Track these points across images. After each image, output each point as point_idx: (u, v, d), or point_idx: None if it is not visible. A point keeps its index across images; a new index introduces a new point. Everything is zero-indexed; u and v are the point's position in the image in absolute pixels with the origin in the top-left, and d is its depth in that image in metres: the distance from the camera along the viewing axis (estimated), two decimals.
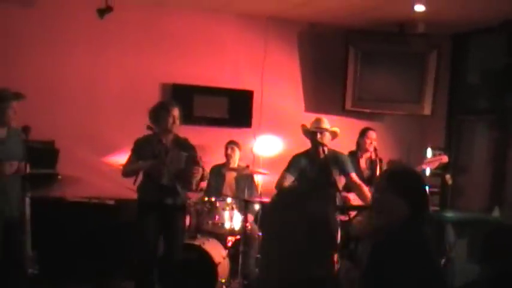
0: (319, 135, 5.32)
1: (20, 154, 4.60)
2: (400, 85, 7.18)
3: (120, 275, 5.92)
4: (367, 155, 6.07)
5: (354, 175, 5.44)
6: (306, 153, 5.46)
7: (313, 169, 5.35)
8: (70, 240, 5.86)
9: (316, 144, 5.32)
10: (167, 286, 5.10)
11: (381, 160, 6.01)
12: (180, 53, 6.87)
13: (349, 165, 5.46)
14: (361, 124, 6.69)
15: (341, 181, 5.40)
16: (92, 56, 6.59)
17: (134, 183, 5.11)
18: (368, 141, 6.04)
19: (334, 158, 5.36)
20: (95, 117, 6.55)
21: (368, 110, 7.24)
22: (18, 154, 4.59)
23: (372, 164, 6.00)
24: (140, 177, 5.12)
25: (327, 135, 5.37)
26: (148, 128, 5.01)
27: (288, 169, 5.38)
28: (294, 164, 5.38)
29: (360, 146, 6.10)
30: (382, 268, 2.62)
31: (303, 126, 5.49)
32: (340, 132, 5.57)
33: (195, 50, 6.94)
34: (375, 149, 5.98)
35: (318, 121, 5.46)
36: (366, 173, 6.00)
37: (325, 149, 5.27)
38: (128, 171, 5.11)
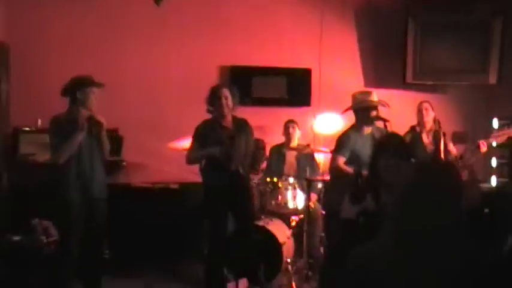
0: (373, 112, 5.16)
1: None
2: (463, 55, 6.96)
3: (187, 258, 6.04)
4: (428, 128, 5.91)
5: None
6: (353, 129, 5.22)
7: (362, 145, 5.20)
8: (137, 225, 6.00)
9: (367, 119, 5.16)
10: (235, 268, 5.15)
11: (444, 134, 5.84)
12: (237, 35, 6.90)
13: None
14: (423, 97, 6.49)
15: None
16: (151, 44, 6.71)
17: (200, 169, 5.17)
18: (420, 114, 5.86)
19: (380, 132, 5.20)
20: (156, 103, 6.67)
21: (430, 82, 7.07)
22: None
23: (435, 137, 5.83)
24: (203, 161, 5.16)
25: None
26: (209, 111, 5.06)
27: (338, 151, 5.15)
28: (345, 143, 5.15)
29: (418, 121, 5.95)
30: None
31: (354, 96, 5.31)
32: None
33: (252, 31, 6.95)
34: (438, 122, 5.81)
35: (364, 94, 5.25)
36: (430, 148, 5.83)
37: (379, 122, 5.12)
38: (192, 158, 5.14)
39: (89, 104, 4.64)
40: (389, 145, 3.35)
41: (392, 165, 3.16)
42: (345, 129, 5.41)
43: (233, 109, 5.10)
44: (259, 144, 5.02)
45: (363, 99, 5.15)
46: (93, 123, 4.62)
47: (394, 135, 4.15)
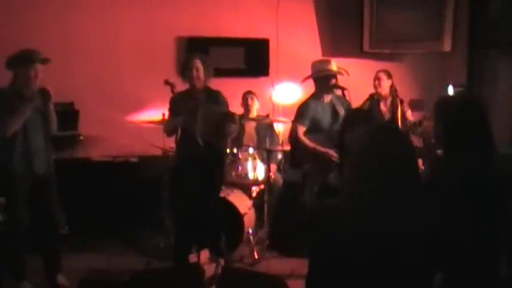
0: (332, 80, 5.21)
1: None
2: (418, 23, 7.01)
3: (148, 230, 6.02)
4: (385, 96, 5.99)
5: None
6: (313, 97, 5.32)
7: (322, 113, 5.26)
8: (96, 199, 5.95)
9: (327, 88, 5.22)
10: (197, 238, 5.16)
11: (401, 101, 5.93)
12: (193, 5, 6.76)
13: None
14: (381, 65, 6.57)
15: None
16: (105, 15, 6.51)
17: (176, 140, 5.17)
18: (376, 83, 5.95)
19: (340, 100, 5.28)
20: (112, 75, 6.52)
21: (387, 51, 7.11)
22: None
23: (393, 105, 5.92)
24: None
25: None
26: (167, 83, 5.00)
27: (298, 120, 5.26)
28: (305, 112, 5.25)
29: (375, 89, 6.02)
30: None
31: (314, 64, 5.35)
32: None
33: (208, 1, 6.84)
34: (395, 90, 5.89)
35: (323, 63, 5.31)
36: (388, 115, 5.93)
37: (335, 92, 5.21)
38: (167, 129, 5.18)
39: (32, 79, 4.52)
40: (356, 119, 3.41)
41: (356, 137, 3.22)
42: (305, 98, 5.45)
43: (206, 80, 5.07)
44: (228, 117, 4.96)
45: (322, 68, 5.20)
46: (43, 96, 4.52)
47: (361, 110, 4.27)
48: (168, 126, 5.16)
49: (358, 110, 4.48)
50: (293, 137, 5.29)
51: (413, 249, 2.11)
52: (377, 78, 6.00)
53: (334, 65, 5.24)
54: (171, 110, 5.13)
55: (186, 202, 5.07)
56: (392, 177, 2.12)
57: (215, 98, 5.08)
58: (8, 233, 4.69)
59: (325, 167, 4.85)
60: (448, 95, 5.21)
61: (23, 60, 4.50)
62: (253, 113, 6.37)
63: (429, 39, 7.06)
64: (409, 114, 5.96)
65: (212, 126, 4.94)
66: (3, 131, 4.50)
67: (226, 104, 5.12)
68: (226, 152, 5.55)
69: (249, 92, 6.42)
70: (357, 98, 6.08)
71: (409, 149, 2.22)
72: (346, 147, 3.26)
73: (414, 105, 6.73)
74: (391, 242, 2.09)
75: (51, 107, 4.63)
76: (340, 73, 5.23)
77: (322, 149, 5.06)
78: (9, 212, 4.69)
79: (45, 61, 4.58)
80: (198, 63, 4.98)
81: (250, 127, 6.41)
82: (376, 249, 2.09)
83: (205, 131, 4.92)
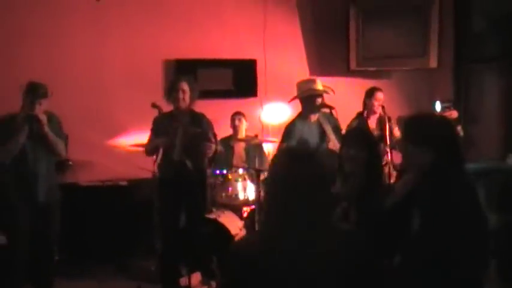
0: (318, 99, 5.26)
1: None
2: (404, 40, 7.07)
3: (139, 254, 5.99)
4: (375, 115, 6.03)
5: None
6: (300, 117, 5.36)
7: (309, 133, 5.28)
8: (87, 224, 5.92)
9: (313, 107, 5.25)
10: (187, 260, 5.14)
11: (389, 119, 5.96)
12: (180, 28, 6.81)
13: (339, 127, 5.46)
14: (368, 83, 6.62)
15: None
16: (93, 39, 6.54)
17: (154, 161, 5.16)
18: (376, 103, 5.96)
19: (326, 118, 5.31)
20: (101, 100, 6.53)
21: (373, 69, 7.16)
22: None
23: (380, 123, 5.95)
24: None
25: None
26: (154, 106, 5.01)
27: (285, 140, 5.28)
28: (291, 133, 5.27)
29: (368, 107, 6.03)
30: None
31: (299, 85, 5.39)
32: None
33: (194, 23, 6.87)
34: (383, 107, 5.93)
35: (309, 82, 5.36)
36: (376, 133, 5.95)
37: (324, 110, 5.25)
38: (147, 149, 5.19)
39: (35, 110, 4.55)
40: (351, 137, 3.47)
41: (351, 156, 3.32)
42: (292, 118, 5.48)
43: (191, 103, 5.09)
44: (204, 137, 4.97)
45: (307, 88, 5.26)
46: (33, 122, 4.54)
47: (358, 129, 4.39)
48: (148, 147, 5.16)
49: (356, 129, 4.55)
50: None
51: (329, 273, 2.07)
52: (375, 98, 5.99)
53: (320, 84, 5.29)
54: (153, 130, 5.14)
55: (170, 224, 5.05)
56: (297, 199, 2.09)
57: (199, 120, 5.10)
58: (8, 265, 4.66)
59: None
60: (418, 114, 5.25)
61: (28, 93, 4.55)
62: (242, 134, 6.38)
63: (415, 56, 7.11)
64: (396, 131, 5.99)
65: (190, 146, 4.93)
66: (1, 158, 4.56)
67: (211, 126, 5.14)
68: (206, 172, 5.50)
69: (237, 113, 6.43)
70: (345, 116, 6.11)
71: (320, 174, 2.16)
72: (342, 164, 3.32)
73: (402, 122, 6.74)
74: (303, 266, 2.05)
75: (46, 130, 4.60)
76: (326, 92, 5.26)
77: None
78: (9, 245, 4.66)
79: (47, 96, 4.60)
80: (185, 86, 5.01)
81: (239, 148, 6.41)
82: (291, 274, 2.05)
83: (182, 151, 4.92)
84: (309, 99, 5.27)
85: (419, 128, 2.79)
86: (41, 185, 4.66)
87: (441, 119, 3.05)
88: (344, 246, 2.12)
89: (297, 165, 2.13)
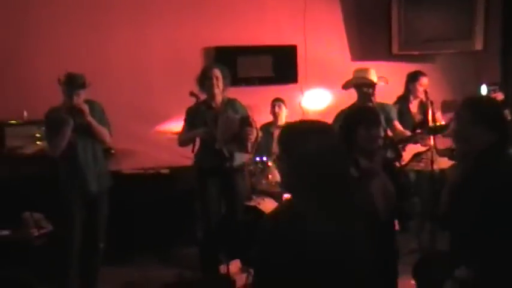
0: (365, 88, 5.20)
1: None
2: (448, 23, 6.88)
3: (180, 242, 6.05)
4: (418, 99, 5.91)
5: (397, 123, 5.42)
6: (352, 106, 5.34)
7: None
8: (129, 212, 5.99)
9: (364, 96, 5.21)
10: (229, 248, 5.16)
11: (432, 102, 5.82)
12: (220, 15, 6.80)
13: (394, 114, 5.41)
14: (411, 67, 6.48)
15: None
16: (134, 28, 6.61)
17: (192, 151, 5.18)
18: (420, 88, 5.83)
19: (381, 109, 5.24)
20: (142, 88, 6.60)
21: (416, 52, 7.00)
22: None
23: (423, 107, 5.82)
24: (197, 144, 5.18)
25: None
26: (192, 95, 5.02)
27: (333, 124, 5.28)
28: (336, 118, 5.23)
29: (411, 92, 5.91)
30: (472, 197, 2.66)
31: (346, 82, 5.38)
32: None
33: (234, 10, 6.85)
34: (426, 92, 5.79)
35: (362, 71, 5.32)
36: (418, 117, 5.85)
37: (373, 99, 5.18)
38: (182, 140, 5.19)
39: (74, 101, 4.63)
40: (370, 116, 3.44)
41: (372, 135, 3.30)
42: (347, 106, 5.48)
43: (224, 90, 5.08)
44: (245, 122, 4.94)
45: (359, 76, 5.24)
46: (75, 113, 4.60)
47: (363, 107, 4.37)
48: (184, 137, 5.16)
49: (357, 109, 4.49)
50: None
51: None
52: (419, 83, 5.88)
53: (373, 73, 5.25)
54: (187, 120, 5.15)
55: (211, 212, 5.06)
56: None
57: (233, 105, 5.09)
58: (58, 248, 4.78)
59: None
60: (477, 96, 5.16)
61: (66, 84, 4.62)
62: (282, 121, 6.34)
63: (460, 38, 6.92)
64: (438, 115, 5.86)
65: (232, 134, 4.92)
66: (50, 151, 4.70)
67: (245, 111, 5.12)
68: (249, 158, 5.50)
69: (277, 100, 6.40)
70: (387, 100, 6.02)
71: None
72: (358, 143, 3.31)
73: (447, 107, 6.61)
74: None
75: (89, 119, 4.68)
76: (373, 82, 5.22)
77: None
78: (65, 234, 4.77)
79: (85, 86, 4.67)
80: (217, 73, 5.01)
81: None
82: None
83: (227, 139, 4.91)
84: (360, 88, 5.25)
85: (481, 108, 2.83)
86: (90, 174, 4.75)
87: (496, 100, 3.06)
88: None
89: (314, 137, 2.15)
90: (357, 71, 5.40)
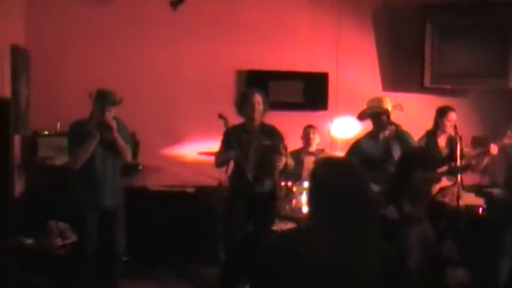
0: (383, 117, 5.21)
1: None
2: (482, 59, 6.85)
3: (201, 260, 6.08)
4: (446, 134, 5.88)
5: None
6: (369, 135, 5.35)
7: (375, 150, 5.23)
8: (153, 227, 6.05)
9: (378, 125, 5.22)
10: (252, 271, 5.16)
11: (460, 138, 5.78)
12: (253, 39, 6.88)
13: (412, 141, 5.36)
14: (442, 101, 6.50)
15: None
16: (167, 48, 6.73)
17: (226, 172, 5.23)
18: (448, 124, 5.82)
19: (399, 137, 5.23)
20: (172, 107, 6.70)
21: (448, 86, 6.98)
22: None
23: (451, 142, 5.78)
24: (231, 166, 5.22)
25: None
26: (220, 117, 5.06)
27: (350, 155, 5.25)
28: (355, 149, 5.26)
29: (439, 127, 5.89)
30: None
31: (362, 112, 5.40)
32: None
33: (268, 35, 6.93)
34: (455, 127, 5.77)
35: (376, 100, 5.34)
36: (445, 151, 5.81)
37: (390, 127, 5.18)
38: (218, 162, 5.22)
39: (105, 117, 4.71)
40: (425, 158, 3.41)
41: (428, 178, 3.26)
42: (362, 134, 5.47)
43: (263, 115, 5.12)
44: (274, 150, 4.95)
45: (372, 106, 5.23)
46: (103, 129, 4.68)
47: (423, 148, 4.33)
48: (219, 159, 5.19)
49: (422, 148, 4.48)
50: None
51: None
52: (447, 118, 5.86)
53: (387, 102, 5.26)
54: (224, 142, 5.16)
55: (236, 235, 5.08)
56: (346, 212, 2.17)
57: (271, 132, 5.10)
58: (74, 264, 4.83)
59: None
60: None
61: (98, 100, 4.70)
62: (313, 147, 6.36)
63: (493, 75, 6.87)
64: (466, 151, 5.83)
65: (262, 160, 4.95)
66: (71, 163, 4.75)
67: (282, 139, 5.11)
68: (278, 185, 5.52)
69: (311, 126, 6.42)
70: (417, 134, 6.00)
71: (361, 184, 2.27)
72: (412, 185, 3.23)
73: (477, 142, 6.56)
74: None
75: (116, 136, 4.75)
76: (387, 111, 5.21)
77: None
78: (78, 245, 4.84)
79: (116, 103, 4.75)
80: (259, 98, 5.04)
81: (309, 161, 6.35)
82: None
83: (255, 165, 4.94)
84: (374, 118, 5.25)
85: None
86: (107, 189, 4.81)
87: None
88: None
89: (334, 176, 2.24)
90: (371, 100, 5.40)
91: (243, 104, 5.07)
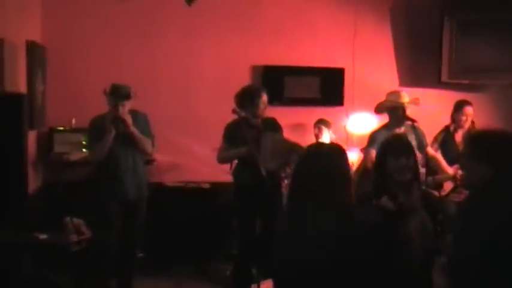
0: (399, 112, 5.17)
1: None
2: (499, 53, 6.77)
3: (216, 257, 6.06)
4: (463, 129, 5.81)
5: (429, 148, 5.37)
6: (385, 128, 5.30)
7: None
8: (168, 223, 6.04)
9: (396, 120, 5.19)
10: (263, 267, 5.14)
11: None
12: (270, 34, 6.84)
13: (425, 139, 5.34)
14: (460, 96, 6.42)
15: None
16: (184, 44, 6.71)
17: (230, 167, 5.20)
18: (464, 118, 5.76)
19: (414, 133, 5.19)
20: (189, 102, 6.70)
21: (466, 81, 6.90)
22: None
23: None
24: (235, 162, 5.19)
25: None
26: (234, 112, 5.03)
27: (370, 144, 5.19)
28: (375, 138, 5.17)
29: (455, 122, 5.83)
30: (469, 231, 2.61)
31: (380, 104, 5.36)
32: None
33: (285, 31, 6.89)
34: (473, 122, 5.70)
35: (394, 94, 5.32)
36: (462, 147, 5.74)
37: (407, 123, 5.15)
38: (222, 158, 5.18)
39: (119, 111, 4.74)
40: (399, 145, 3.33)
41: (402, 165, 3.17)
42: (378, 126, 5.44)
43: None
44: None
45: (390, 100, 5.20)
46: (119, 123, 4.69)
47: (401, 135, 4.27)
48: (225, 155, 5.14)
49: (399, 135, 4.40)
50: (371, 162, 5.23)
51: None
52: (463, 112, 5.80)
53: (405, 96, 5.21)
54: (226, 138, 5.13)
55: (246, 229, 5.06)
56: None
57: (273, 125, 5.10)
58: (95, 254, 4.86)
59: None
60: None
61: (111, 95, 4.75)
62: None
63: (511, 70, 6.78)
64: None
65: (276, 155, 4.91)
66: (90, 157, 4.87)
67: (281, 130, 5.16)
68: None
69: (319, 122, 6.38)
70: (434, 129, 5.97)
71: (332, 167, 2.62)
72: (390, 174, 3.20)
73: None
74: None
75: (131, 130, 4.77)
76: (405, 105, 5.16)
77: None
78: (101, 240, 4.86)
79: (129, 97, 4.77)
80: (265, 97, 5.05)
81: None
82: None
83: (268, 160, 4.90)
84: (391, 111, 5.21)
85: (482, 144, 2.68)
86: (130, 183, 4.85)
87: (507, 136, 2.82)
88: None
89: (308, 156, 2.72)
90: (389, 94, 5.38)
91: (252, 99, 5.04)
